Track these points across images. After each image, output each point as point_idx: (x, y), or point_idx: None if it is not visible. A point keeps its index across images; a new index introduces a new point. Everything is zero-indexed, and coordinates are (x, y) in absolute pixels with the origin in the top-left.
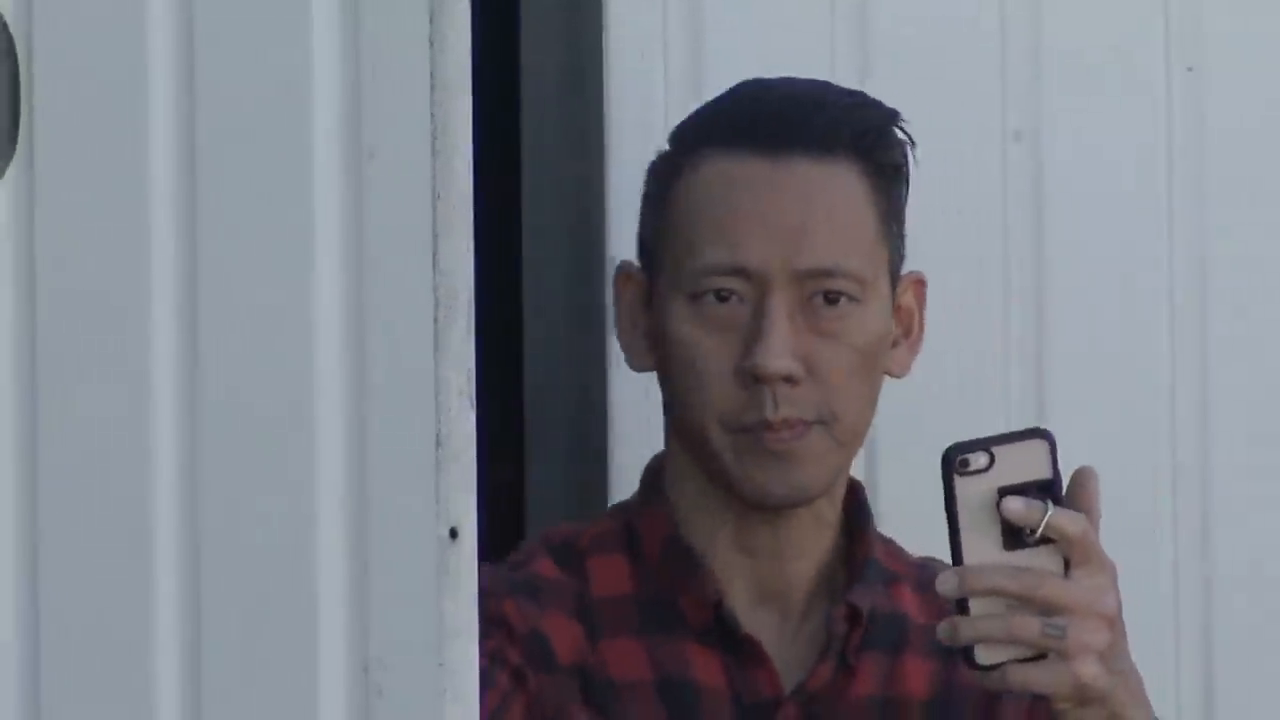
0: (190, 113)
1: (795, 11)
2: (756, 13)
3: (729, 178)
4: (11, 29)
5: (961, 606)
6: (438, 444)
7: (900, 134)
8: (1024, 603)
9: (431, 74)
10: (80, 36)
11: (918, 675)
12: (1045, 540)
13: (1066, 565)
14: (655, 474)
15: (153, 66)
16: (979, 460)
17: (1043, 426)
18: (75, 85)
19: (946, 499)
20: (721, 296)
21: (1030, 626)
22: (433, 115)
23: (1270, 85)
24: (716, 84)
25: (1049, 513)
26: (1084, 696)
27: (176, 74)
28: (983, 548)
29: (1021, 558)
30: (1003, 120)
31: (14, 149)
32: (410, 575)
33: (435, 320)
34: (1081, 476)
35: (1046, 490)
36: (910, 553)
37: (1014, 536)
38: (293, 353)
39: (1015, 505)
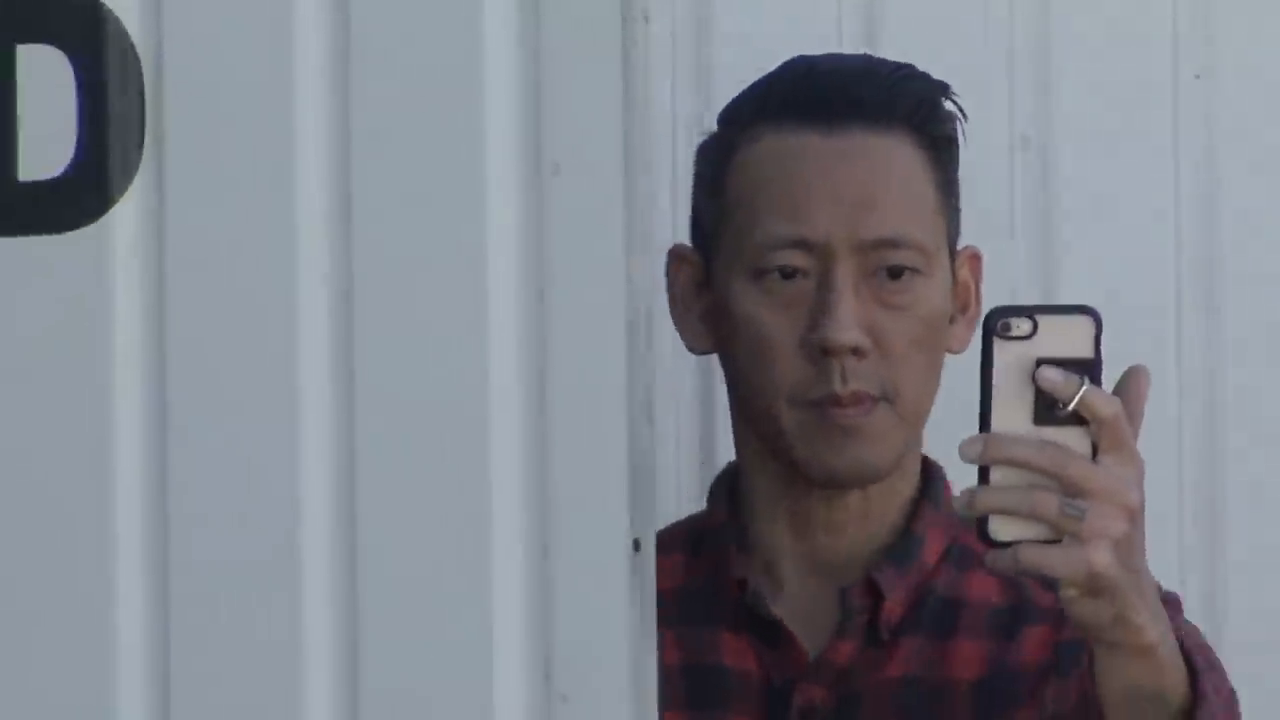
0: (345, 125)
1: (803, 11)
2: (765, 16)
3: (787, 150)
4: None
5: (983, 476)
6: (629, 459)
7: (951, 106)
8: (1048, 479)
9: (624, 88)
10: (217, 53)
11: (968, 657)
12: (1078, 421)
13: (1095, 452)
14: (727, 475)
15: (300, 79)
16: (1021, 326)
17: (1094, 309)
18: (211, 102)
19: (983, 362)
20: (786, 274)
21: (1050, 503)
22: (624, 130)
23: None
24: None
25: (1084, 387)
26: (1094, 585)
27: (330, 84)
28: (1013, 418)
29: (1051, 434)
30: (1010, 125)
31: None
32: (597, 585)
33: (627, 337)
34: (1133, 372)
35: (1086, 369)
36: None
37: (1046, 411)
38: (471, 367)
39: (1052, 374)
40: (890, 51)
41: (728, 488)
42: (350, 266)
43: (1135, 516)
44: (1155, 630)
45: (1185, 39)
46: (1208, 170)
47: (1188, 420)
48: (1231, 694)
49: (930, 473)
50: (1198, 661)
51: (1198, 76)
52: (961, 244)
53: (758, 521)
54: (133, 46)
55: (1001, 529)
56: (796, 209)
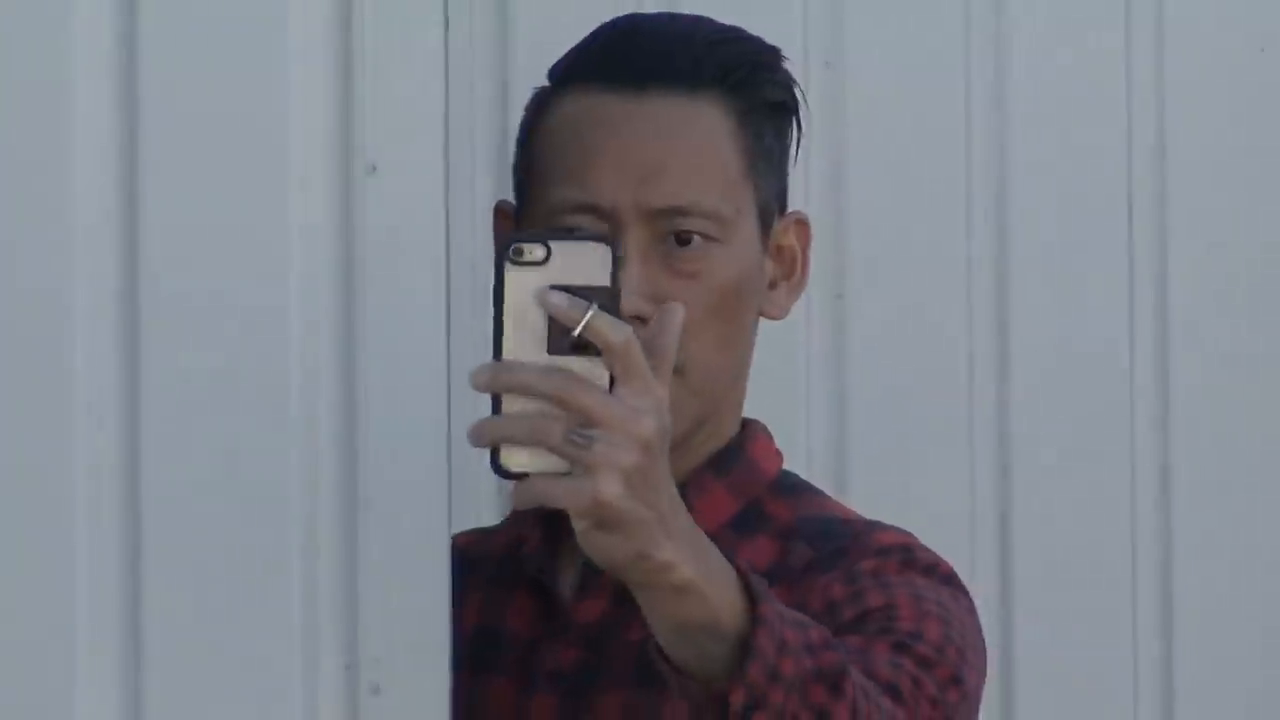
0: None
1: None
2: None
3: (588, 114)
4: None
5: (496, 407)
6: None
7: (778, 70)
8: (556, 405)
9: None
10: None
11: None
12: (593, 352)
13: (613, 383)
14: None
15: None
16: (535, 252)
17: (610, 236)
18: None
19: (495, 289)
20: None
21: (553, 431)
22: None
23: None
24: None
25: (590, 312)
26: (602, 517)
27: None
28: (526, 347)
29: (564, 363)
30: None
31: None
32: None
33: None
34: (666, 308)
35: (601, 298)
36: (837, 507)
37: (560, 340)
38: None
39: (557, 299)
40: None
41: None
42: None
43: (650, 447)
44: (689, 566)
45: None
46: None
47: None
48: (826, 636)
49: (739, 436)
50: (758, 589)
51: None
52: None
53: None
54: None
55: (512, 460)
56: (586, 174)
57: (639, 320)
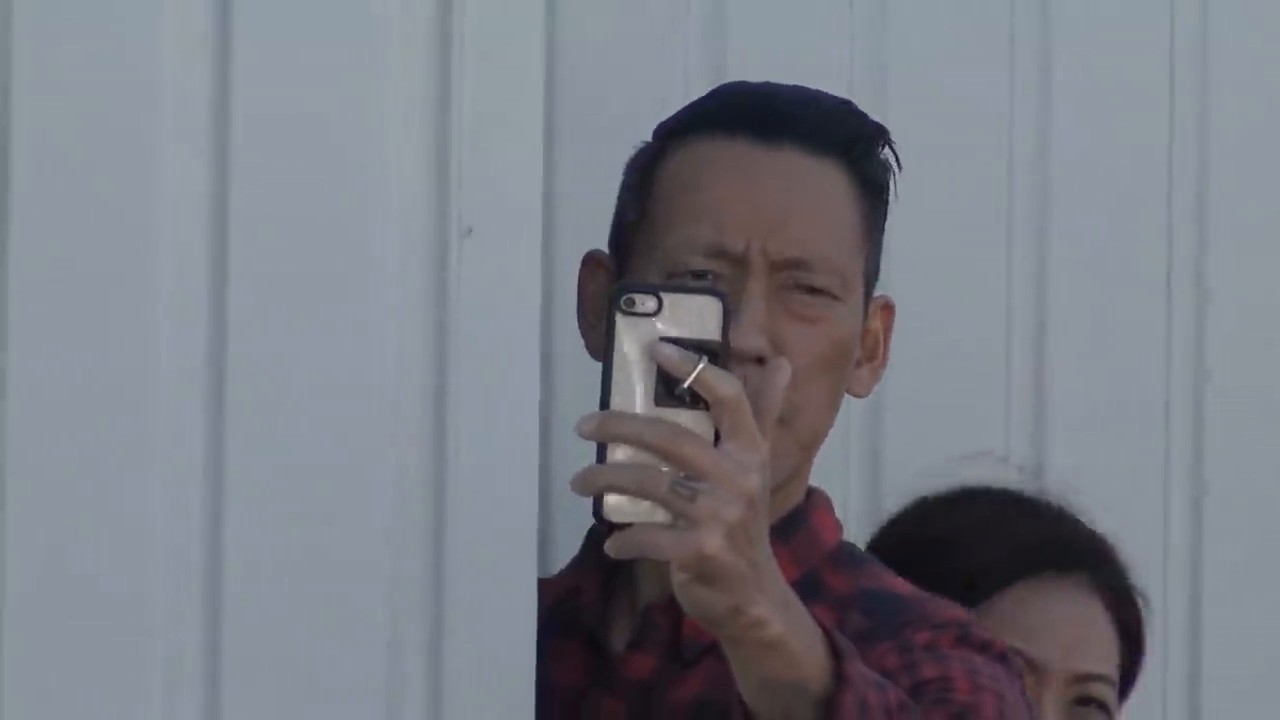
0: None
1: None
2: None
3: (717, 157)
4: None
5: (601, 455)
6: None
7: (888, 152)
8: (662, 458)
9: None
10: None
11: None
12: (701, 404)
13: (718, 439)
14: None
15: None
16: (646, 304)
17: (724, 292)
18: None
19: (606, 338)
20: (698, 275)
21: (660, 481)
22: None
23: None
24: None
25: (701, 365)
26: (705, 570)
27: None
28: (634, 396)
29: (671, 414)
30: None
31: None
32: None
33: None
34: (771, 365)
35: (710, 351)
36: (896, 582)
37: (668, 391)
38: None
39: (669, 351)
40: None
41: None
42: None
43: (753, 502)
44: (780, 622)
45: None
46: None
47: None
48: (904, 700)
49: (804, 504)
50: (843, 647)
51: None
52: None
53: (631, 563)
54: None
55: (616, 510)
56: (718, 216)
57: (756, 362)
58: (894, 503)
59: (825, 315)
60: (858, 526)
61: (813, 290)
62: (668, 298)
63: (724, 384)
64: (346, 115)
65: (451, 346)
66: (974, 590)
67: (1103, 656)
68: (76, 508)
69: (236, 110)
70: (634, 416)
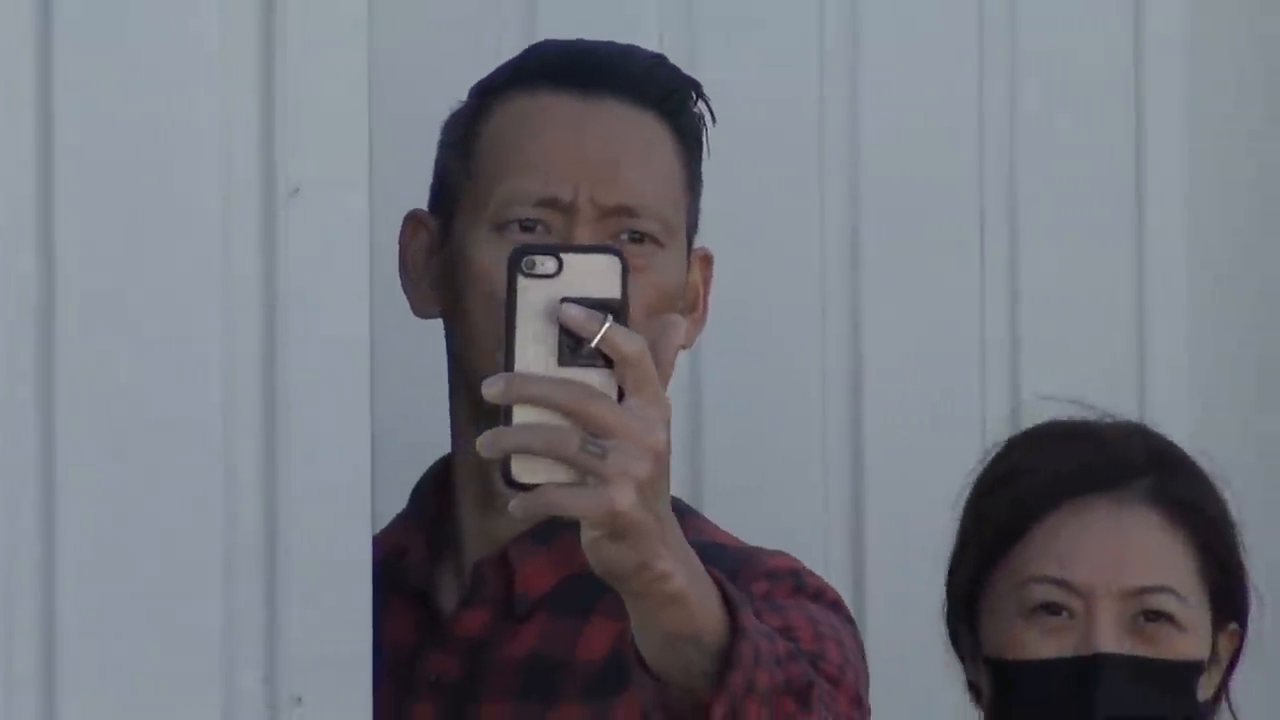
0: None
1: None
2: None
3: (541, 111)
4: None
5: (506, 417)
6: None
7: (702, 105)
8: (570, 418)
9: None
10: None
11: (599, 637)
12: (604, 362)
13: (621, 396)
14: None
15: None
16: (546, 265)
17: (620, 249)
18: None
19: (508, 300)
20: (526, 226)
21: (570, 442)
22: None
23: None
24: None
25: (607, 325)
26: (616, 526)
27: None
28: (537, 357)
29: (575, 374)
30: None
31: None
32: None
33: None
34: (666, 320)
35: (612, 310)
36: (719, 534)
37: (571, 351)
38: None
39: (574, 311)
40: None
41: (433, 475)
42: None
43: (660, 458)
44: (683, 576)
45: None
46: None
47: None
48: (796, 654)
49: None
50: (740, 602)
51: None
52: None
53: (456, 515)
54: None
55: (525, 471)
56: (545, 167)
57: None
58: None
59: (652, 263)
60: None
61: (640, 239)
62: (567, 258)
63: (629, 342)
64: (170, 71)
65: (280, 305)
66: (1013, 523)
67: (1159, 568)
68: None
69: (59, 76)
70: (541, 378)
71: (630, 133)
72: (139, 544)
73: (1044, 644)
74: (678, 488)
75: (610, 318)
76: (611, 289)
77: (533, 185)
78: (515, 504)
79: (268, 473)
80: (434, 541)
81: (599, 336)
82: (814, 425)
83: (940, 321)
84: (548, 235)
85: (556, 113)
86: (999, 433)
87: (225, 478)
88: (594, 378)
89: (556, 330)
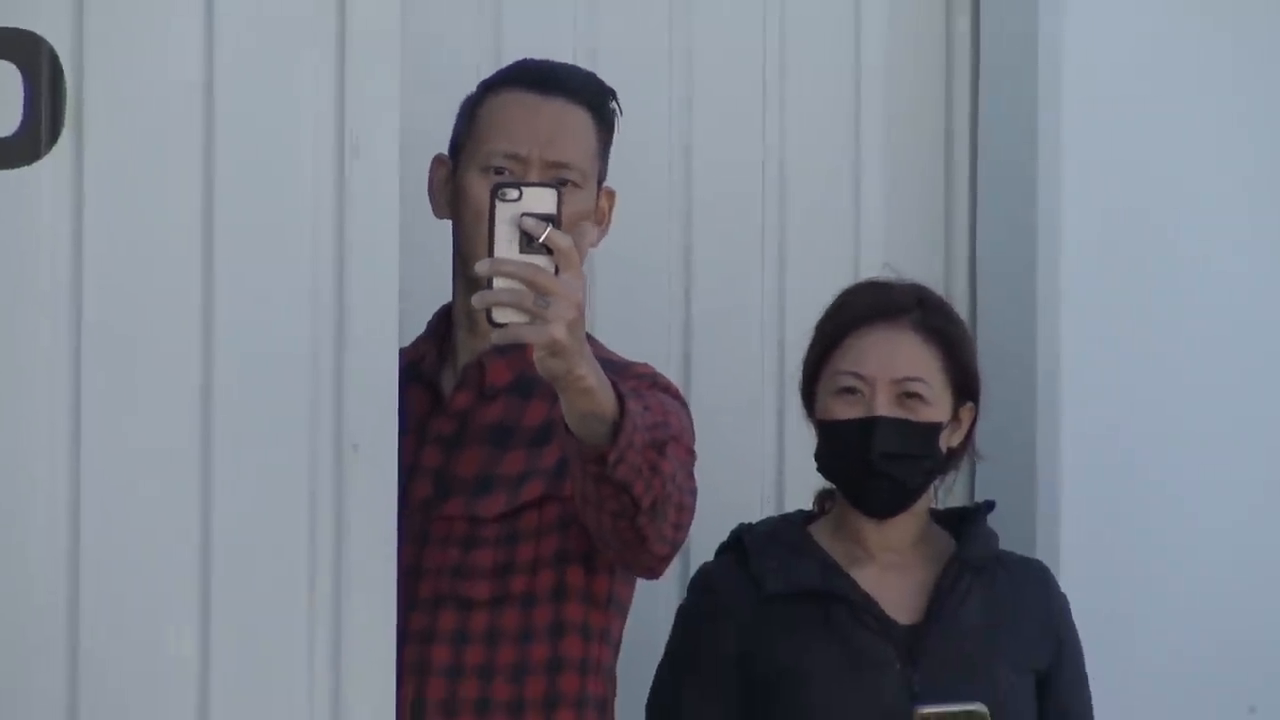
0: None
1: None
2: None
3: (515, 100)
4: None
5: (489, 284)
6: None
7: (615, 105)
8: (527, 284)
9: None
10: (131, 66)
11: (538, 411)
12: (547, 251)
13: (558, 271)
14: (441, 315)
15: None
16: (512, 193)
17: (557, 184)
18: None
19: (489, 216)
20: (498, 171)
21: (527, 297)
22: None
23: None
24: None
25: (548, 229)
26: (554, 349)
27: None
28: (508, 250)
29: (531, 259)
30: None
31: None
32: None
33: None
34: (582, 226)
35: (551, 220)
36: (605, 351)
37: (528, 246)
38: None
39: (529, 221)
40: None
41: (441, 313)
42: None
43: (580, 308)
44: (593, 378)
45: None
46: None
47: None
48: (658, 424)
49: None
50: (626, 394)
51: None
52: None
53: (455, 337)
54: (59, 63)
55: (501, 315)
56: (513, 135)
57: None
58: None
59: (576, 198)
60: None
61: (566, 183)
62: (525, 189)
63: (561, 239)
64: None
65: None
66: (832, 338)
67: (916, 366)
68: None
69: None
70: (509, 260)
71: (568, 119)
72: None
73: (847, 411)
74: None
75: (550, 224)
76: (551, 208)
77: (504, 145)
78: (496, 335)
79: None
80: (441, 351)
81: (545, 235)
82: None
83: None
84: (512, 176)
85: (524, 103)
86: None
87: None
88: (542, 261)
89: (518, 233)
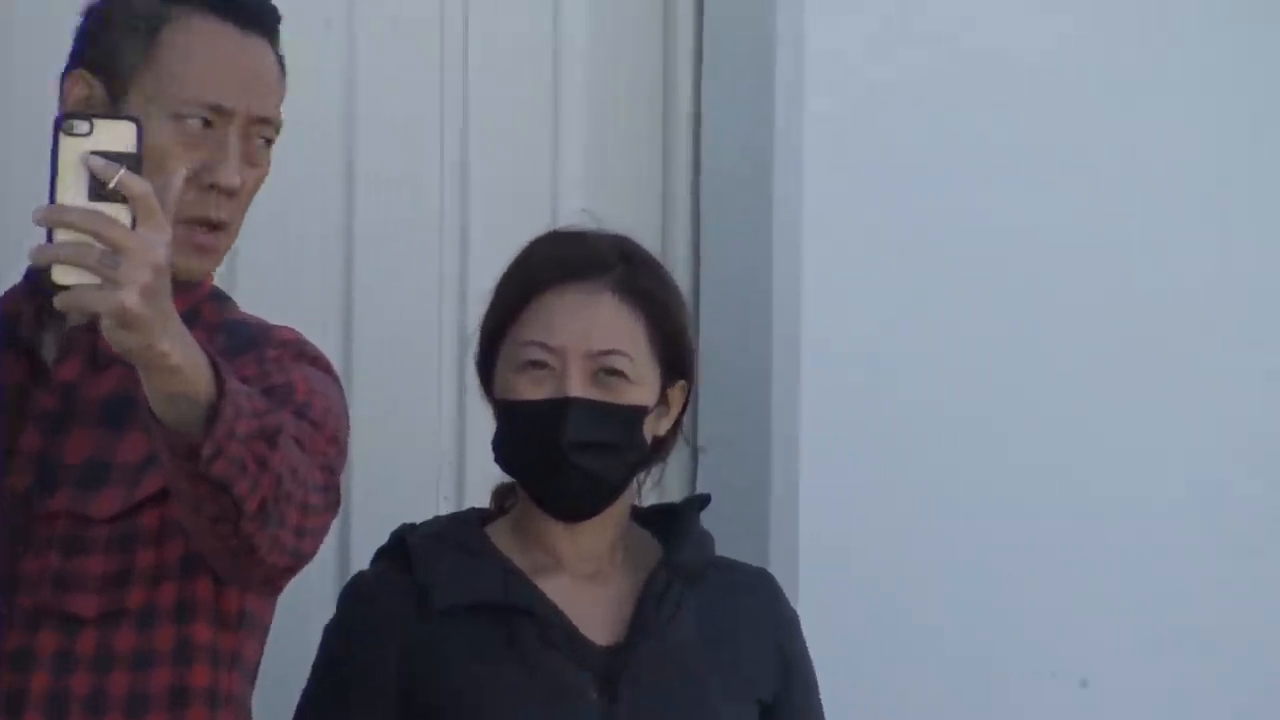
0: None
1: None
2: None
3: (214, 34)
4: None
5: (49, 238)
6: None
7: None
8: (94, 239)
9: None
10: None
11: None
12: (122, 200)
13: (135, 224)
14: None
15: None
16: (81, 126)
17: (139, 116)
18: None
19: (52, 152)
20: (206, 122)
21: (90, 254)
22: None
23: None
24: None
25: (121, 172)
26: (125, 320)
27: None
28: (74, 196)
29: (102, 208)
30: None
31: None
32: None
33: None
34: (171, 175)
35: (129, 161)
36: (248, 316)
37: (99, 191)
38: None
39: (97, 161)
40: None
41: None
42: None
43: (160, 269)
44: (179, 354)
45: None
46: None
47: None
48: (271, 409)
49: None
50: (224, 369)
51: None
52: None
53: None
54: None
55: (61, 276)
56: (218, 82)
57: (230, 195)
58: None
59: (267, 157)
60: None
61: (268, 141)
62: (98, 122)
63: (137, 184)
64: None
65: None
66: (515, 302)
67: (616, 337)
68: None
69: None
70: (72, 209)
71: (268, 61)
72: None
73: (532, 390)
74: None
75: (125, 166)
76: (130, 145)
77: (209, 94)
78: (57, 300)
79: None
80: (40, 311)
81: (116, 179)
82: None
83: None
84: (210, 130)
85: (227, 43)
86: None
87: None
88: (115, 211)
89: (88, 175)
